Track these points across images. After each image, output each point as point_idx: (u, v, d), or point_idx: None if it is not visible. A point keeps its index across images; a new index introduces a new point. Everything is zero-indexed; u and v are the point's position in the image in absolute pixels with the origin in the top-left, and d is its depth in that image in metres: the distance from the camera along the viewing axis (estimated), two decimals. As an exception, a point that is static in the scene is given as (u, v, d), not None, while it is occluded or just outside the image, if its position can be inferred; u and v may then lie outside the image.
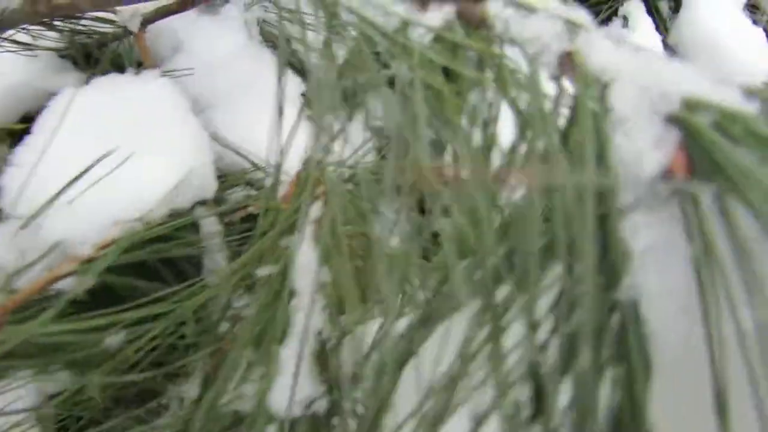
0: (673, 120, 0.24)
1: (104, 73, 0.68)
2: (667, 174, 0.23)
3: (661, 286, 0.22)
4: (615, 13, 0.86)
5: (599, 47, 0.29)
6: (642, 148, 0.24)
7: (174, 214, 0.55)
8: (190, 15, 0.74)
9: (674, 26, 0.85)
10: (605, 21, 0.87)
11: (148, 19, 0.64)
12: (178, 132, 0.54)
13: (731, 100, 0.24)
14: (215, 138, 0.65)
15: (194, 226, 0.58)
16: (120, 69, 0.67)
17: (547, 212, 0.25)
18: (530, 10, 0.33)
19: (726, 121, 0.23)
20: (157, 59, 0.74)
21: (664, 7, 0.87)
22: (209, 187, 0.58)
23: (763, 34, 0.86)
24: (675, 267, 0.22)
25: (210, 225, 0.59)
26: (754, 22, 0.91)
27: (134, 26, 0.63)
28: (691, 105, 0.24)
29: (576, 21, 0.32)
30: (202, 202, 0.60)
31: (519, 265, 0.26)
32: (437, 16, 0.37)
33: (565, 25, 0.31)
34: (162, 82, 0.57)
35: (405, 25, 0.38)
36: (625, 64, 0.27)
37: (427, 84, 0.35)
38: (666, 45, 0.85)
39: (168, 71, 0.71)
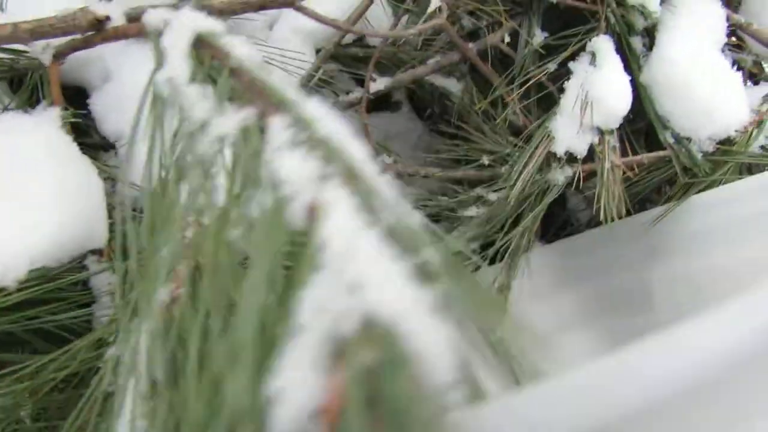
0: (340, 348, 0.21)
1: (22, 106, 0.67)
2: (320, 412, 0.20)
3: None
4: (583, 48, 0.80)
5: (338, 209, 0.26)
6: (302, 376, 0.21)
7: (55, 270, 0.54)
8: (120, 42, 0.72)
9: (647, 65, 0.79)
10: (572, 56, 0.81)
11: (62, 52, 0.62)
12: (59, 177, 0.53)
13: (416, 320, 0.21)
14: (122, 178, 0.63)
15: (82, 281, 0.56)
16: (37, 102, 0.66)
17: None
18: (309, 138, 0.30)
19: (388, 365, 0.20)
20: (88, 89, 0.73)
21: (638, 44, 0.81)
22: (99, 235, 0.57)
23: (740, 80, 0.79)
24: None
25: (102, 278, 0.57)
26: (736, 62, 0.84)
27: (46, 59, 0.62)
28: (370, 328, 0.21)
29: (348, 162, 0.29)
30: (97, 252, 0.59)
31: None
32: (237, 119, 0.34)
33: (331, 167, 0.28)
34: (51, 125, 0.56)
35: (202, 125, 0.35)
36: (342, 244, 0.24)
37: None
38: (637, 84, 0.79)
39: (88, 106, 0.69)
